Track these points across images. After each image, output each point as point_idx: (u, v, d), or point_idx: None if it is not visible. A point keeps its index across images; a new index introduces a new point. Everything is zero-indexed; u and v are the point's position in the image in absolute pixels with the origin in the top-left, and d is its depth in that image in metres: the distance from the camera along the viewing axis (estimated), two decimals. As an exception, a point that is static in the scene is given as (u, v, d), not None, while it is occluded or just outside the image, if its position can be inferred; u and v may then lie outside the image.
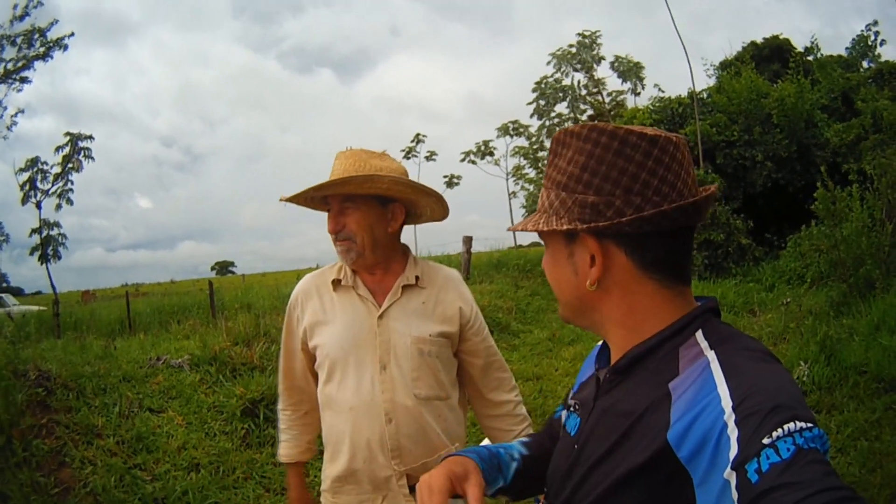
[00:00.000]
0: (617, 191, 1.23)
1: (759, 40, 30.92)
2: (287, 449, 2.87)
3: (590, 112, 43.68)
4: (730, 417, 1.02)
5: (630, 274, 1.27)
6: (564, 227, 1.26)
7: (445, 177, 51.46)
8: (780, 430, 0.95)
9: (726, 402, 1.04)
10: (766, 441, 0.94)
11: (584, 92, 44.76)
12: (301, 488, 2.91)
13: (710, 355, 1.17)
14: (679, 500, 1.07)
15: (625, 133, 1.23)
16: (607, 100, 44.14)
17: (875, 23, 34.28)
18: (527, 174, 47.67)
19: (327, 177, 2.55)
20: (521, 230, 1.38)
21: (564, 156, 1.30)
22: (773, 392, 1.03)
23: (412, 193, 2.61)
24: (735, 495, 0.94)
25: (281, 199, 2.65)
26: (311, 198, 2.61)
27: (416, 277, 2.65)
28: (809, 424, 0.96)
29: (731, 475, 0.96)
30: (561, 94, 44.84)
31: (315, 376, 2.75)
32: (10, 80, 36.25)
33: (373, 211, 2.56)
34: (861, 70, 28.11)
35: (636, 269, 1.27)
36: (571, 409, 1.53)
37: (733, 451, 0.98)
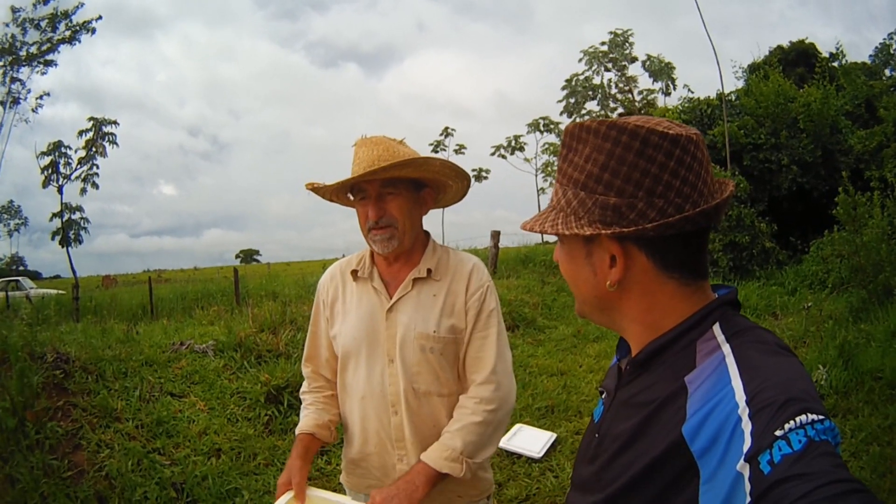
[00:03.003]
0: (639, 193, 1.22)
1: (785, 44, 30.89)
2: (303, 421, 2.77)
3: (620, 110, 43.71)
4: (744, 411, 1.03)
5: (650, 274, 1.28)
6: (587, 231, 1.25)
7: (474, 170, 51.67)
8: (792, 422, 0.97)
9: (740, 397, 1.06)
10: (778, 433, 0.96)
11: (614, 90, 44.78)
12: (296, 456, 2.62)
13: (726, 349, 1.19)
14: (682, 498, 1.09)
15: (646, 133, 1.21)
16: (638, 98, 44.14)
17: (897, 32, 34.26)
18: (556, 171, 47.38)
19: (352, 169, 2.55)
20: (540, 231, 1.35)
21: (580, 152, 1.29)
22: (785, 385, 1.04)
23: (454, 177, 2.64)
24: (748, 487, 0.96)
25: (307, 187, 2.65)
26: (335, 189, 2.61)
27: (429, 270, 2.65)
28: (821, 417, 0.98)
29: (744, 467, 0.98)
30: (591, 93, 44.86)
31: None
32: (33, 64, 36.52)
33: (410, 196, 2.59)
34: (883, 78, 28.13)
35: (656, 270, 1.28)
36: (601, 396, 1.55)
37: (747, 443, 0.99)
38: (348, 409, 2.74)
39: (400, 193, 2.54)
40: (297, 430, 2.75)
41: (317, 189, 2.63)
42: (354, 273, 2.73)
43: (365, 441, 2.67)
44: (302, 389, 2.93)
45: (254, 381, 7.28)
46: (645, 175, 1.21)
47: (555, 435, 6.88)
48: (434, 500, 2.50)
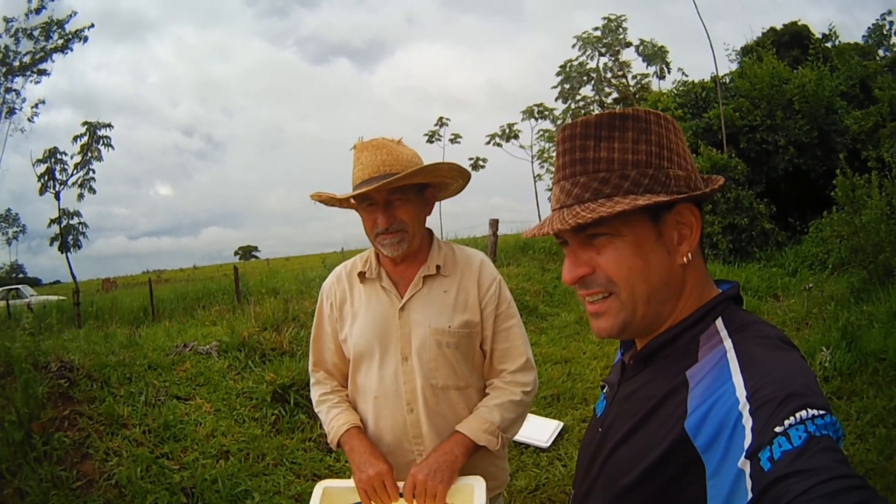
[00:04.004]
0: (689, 166, 1.32)
1: (778, 26, 30.94)
2: (344, 418, 2.69)
3: (615, 95, 43.65)
4: (744, 407, 1.04)
5: (697, 249, 1.33)
6: (675, 197, 1.26)
7: (471, 159, 51.60)
8: (792, 417, 0.97)
9: (741, 392, 1.07)
10: (778, 429, 0.96)
11: (609, 75, 44.67)
12: (370, 452, 2.53)
13: (728, 343, 1.20)
14: (689, 492, 1.10)
15: (671, 118, 1.33)
16: (632, 83, 44.02)
17: (889, 13, 34.39)
18: (553, 157, 47.30)
19: (351, 163, 2.58)
20: (612, 213, 1.21)
21: (624, 138, 1.28)
22: (786, 380, 1.05)
23: (457, 177, 2.67)
24: (749, 484, 0.96)
25: (313, 198, 2.67)
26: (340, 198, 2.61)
27: (438, 267, 2.67)
28: (822, 412, 0.98)
29: (745, 464, 0.98)
30: (585, 78, 44.73)
31: (348, 362, 2.79)
32: (27, 73, 36.54)
33: (417, 199, 2.60)
34: (877, 58, 28.35)
35: (699, 244, 1.34)
36: (602, 390, 1.57)
37: (748, 440, 1.00)
38: (361, 410, 2.75)
39: (408, 199, 2.55)
40: (343, 427, 2.66)
41: (322, 200, 2.65)
42: (361, 275, 2.74)
43: (377, 441, 2.66)
44: (321, 391, 2.88)
45: (259, 381, 7.28)
46: (685, 151, 1.34)
47: (561, 424, 6.89)
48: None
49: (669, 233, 1.29)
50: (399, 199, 2.52)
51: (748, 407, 1.03)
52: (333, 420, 2.73)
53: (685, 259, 1.29)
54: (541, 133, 48.64)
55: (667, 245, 1.29)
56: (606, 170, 1.28)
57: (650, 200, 1.23)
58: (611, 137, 1.29)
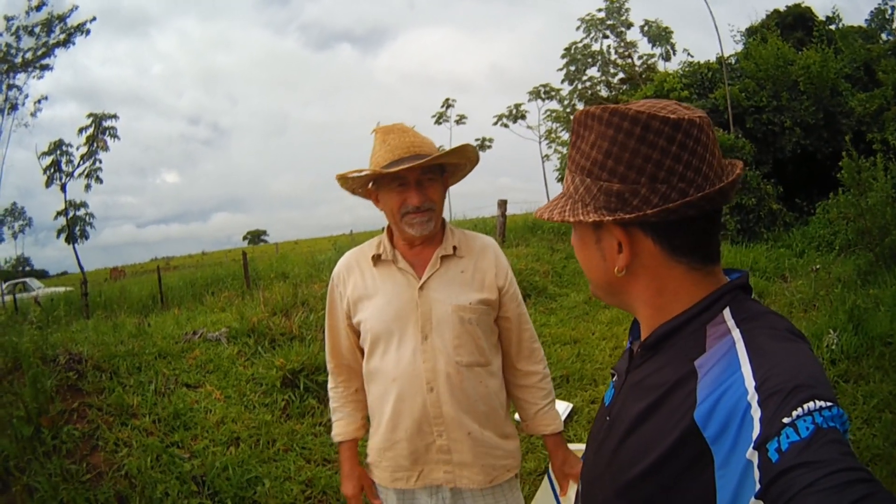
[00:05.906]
0: (642, 179, 1.22)
1: (781, 8, 30.83)
2: (341, 427, 2.97)
3: (621, 76, 43.60)
4: (753, 398, 1.03)
5: (658, 259, 1.28)
6: (591, 218, 1.25)
7: (477, 139, 51.94)
8: (799, 409, 0.96)
9: (749, 383, 1.06)
10: (786, 420, 0.95)
11: (614, 56, 44.61)
12: (354, 464, 2.96)
13: (736, 334, 1.18)
14: (698, 483, 1.09)
15: (647, 118, 1.21)
16: (638, 63, 43.94)
17: (891, -3, 34.22)
18: (560, 137, 47.51)
19: (361, 147, 2.68)
20: (548, 219, 1.35)
21: (587, 139, 1.29)
22: (794, 371, 1.04)
23: (474, 161, 2.77)
24: (757, 475, 0.96)
25: (338, 178, 2.71)
26: (365, 180, 2.67)
27: (454, 248, 2.72)
28: (829, 403, 0.97)
29: (753, 455, 0.97)
30: (591, 60, 44.70)
31: (362, 352, 2.84)
32: (29, 69, 36.58)
33: (441, 181, 2.69)
34: (880, 42, 28.41)
35: (664, 255, 1.28)
36: (612, 377, 1.56)
37: (756, 431, 0.99)
38: (376, 394, 2.78)
39: (436, 179, 2.66)
40: (340, 437, 2.97)
41: (348, 179, 2.68)
42: (376, 258, 2.77)
43: (394, 427, 2.69)
44: (330, 383, 3.03)
45: (269, 367, 7.28)
46: (647, 161, 1.22)
47: (571, 405, 6.89)
48: (482, 475, 2.71)
49: (608, 241, 1.31)
50: (429, 180, 2.62)
51: (757, 398, 1.02)
52: (338, 421, 3.01)
53: (616, 272, 1.31)
54: (548, 113, 48.67)
55: (603, 251, 1.33)
56: (570, 169, 1.35)
57: (559, 216, 1.32)
58: (581, 137, 1.31)
